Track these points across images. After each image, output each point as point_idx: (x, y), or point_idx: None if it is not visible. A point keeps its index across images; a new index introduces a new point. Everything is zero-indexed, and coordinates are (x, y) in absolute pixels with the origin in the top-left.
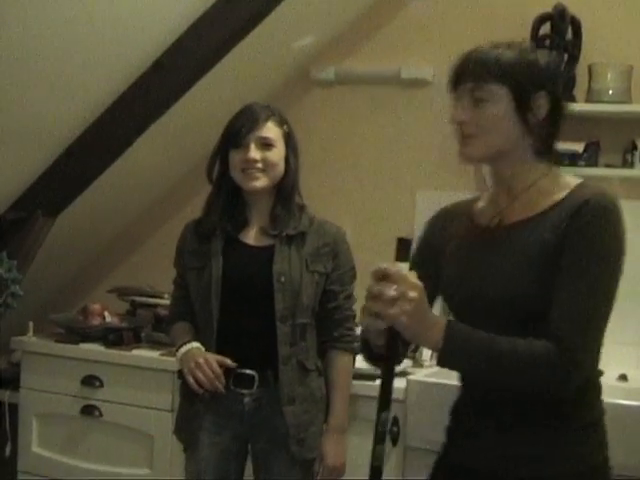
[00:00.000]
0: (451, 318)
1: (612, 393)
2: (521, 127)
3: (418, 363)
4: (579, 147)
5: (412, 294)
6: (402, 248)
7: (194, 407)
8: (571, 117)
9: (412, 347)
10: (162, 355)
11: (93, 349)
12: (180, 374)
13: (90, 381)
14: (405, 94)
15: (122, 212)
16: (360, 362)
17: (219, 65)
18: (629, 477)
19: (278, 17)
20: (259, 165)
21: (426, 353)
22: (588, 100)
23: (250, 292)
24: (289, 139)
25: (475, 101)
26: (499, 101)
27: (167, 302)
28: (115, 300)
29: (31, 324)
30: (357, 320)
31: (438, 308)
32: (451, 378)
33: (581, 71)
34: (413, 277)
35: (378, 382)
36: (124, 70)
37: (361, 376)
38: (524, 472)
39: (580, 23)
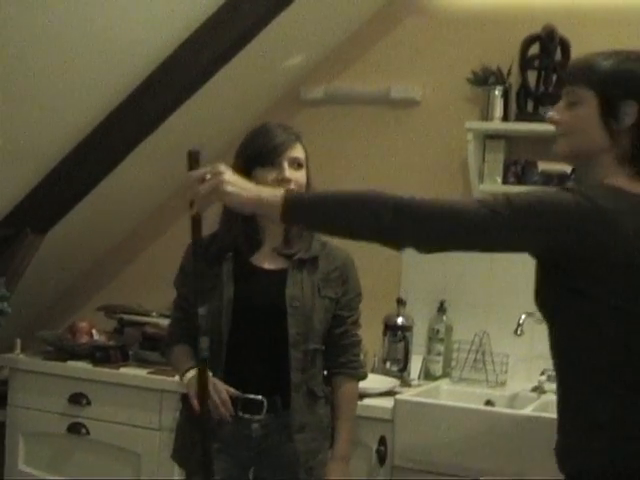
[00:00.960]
0: None
1: None
2: (605, 132)
3: (406, 383)
4: (567, 168)
5: (219, 169)
6: (192, 160)
7: (194, 431)
8: None
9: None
10: (150, 373)
11: (80, 367)
12: (184, 398)
13: (77, 399)
14: (394, 114)
15: (111, 230)
16: None
17: (209, 84)
18: None
19: (268, 37)
20: (292, 186)
21: (414, 372)
22: None
23: (262, 316)
24: (307, 161)
25: (568, 104)
26: (587, 105)
27: (155, 320)
28: (103, 318)
29: (19, 341)
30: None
31: None
32: (439, 398)
33: None
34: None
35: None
36: (113, 89)
37: None
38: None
39: (569, 44)
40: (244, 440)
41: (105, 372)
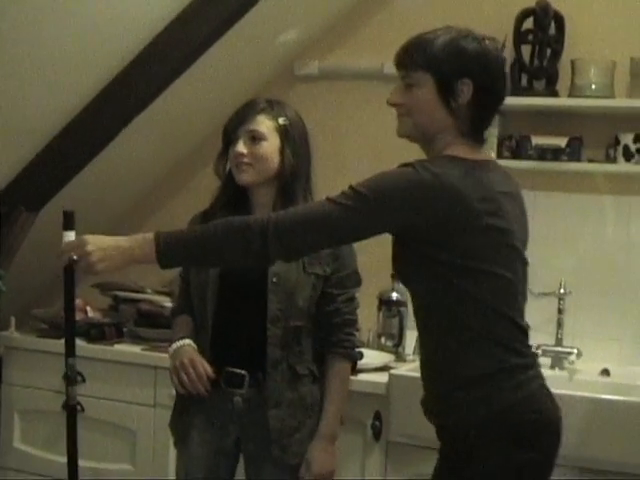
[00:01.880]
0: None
1: (594, 388)
2: (445, 110)
3: (401, 358)
4: (562, 142)
5: (84, 249)
6: (67, 219)
7: (185, 402)
8: (554, 112)
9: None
10: (144, 350)
11: (75, 344)
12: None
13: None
14: (388, 89)
15: (105, 207)
16: None
17: (202, 59)
18: (609, 471)
19: (262, 11)
20: (246, 159)
21: (409, 347)
22: (571, 95)
23: (245, 291)
24: (286, 132)
25: (406, 86)
26: (424, 86)
27: (150, 297)
28: (98, 295)
29: (13, 319)
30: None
31: None
32: None
33: (564, 66)
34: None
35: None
36: (107, 63)
37: None
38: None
39: (563, 18)
40: (227, 412)
41: (100, 349)
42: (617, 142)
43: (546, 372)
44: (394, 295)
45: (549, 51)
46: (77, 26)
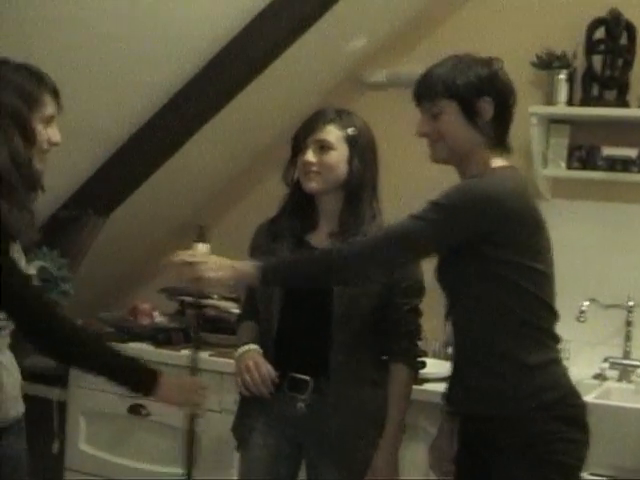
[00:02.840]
0: None
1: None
2: (473, 129)
3: None
4: (632, 153)
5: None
6: (200, 233)
7: (248, 407)
8: (624, 122)
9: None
10: (211, 356)
11: (142, 348)
12: None
13: None
14: None
15: (173, 212)
16: None
17: (272, 67)
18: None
19: (331, 19)
20: (314, 168)
21: None
22: None
23: (310, 297)
24: (354, 142)
25: (433, 116)
26: (450, 112)
27: (216, 303)
28: (164, 300)
29: (80, 322)
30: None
31: None
32: None
33: (635, 76)
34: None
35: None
36: (177, 70)
37: None
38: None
39: (635, 28)
40: (290, 418)
41: (166, 354)
42: None
43: (613, 385)
44: None
45: (620, 61)
46: (150, 33)
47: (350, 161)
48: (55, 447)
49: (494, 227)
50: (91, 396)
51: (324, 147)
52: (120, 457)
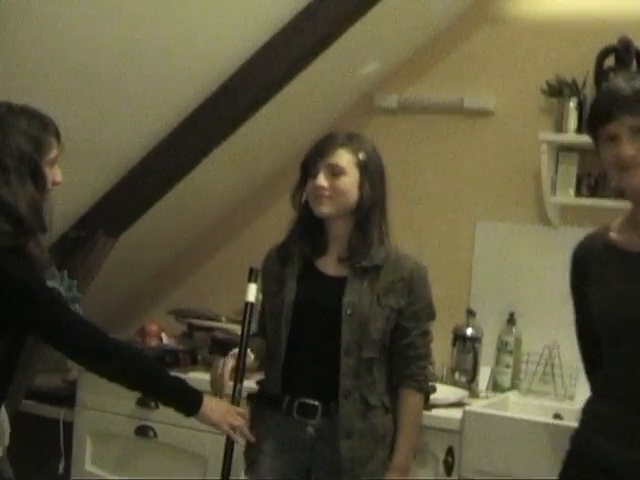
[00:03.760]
0: None
1: None
2: None
3: (474, 394)
4: None
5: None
6: (252, 274)
7: (258, 430)
8: None
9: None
10: None
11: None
12: (249, 397)
13: (145, 402)
14: (467, 124)
15: (183, 234)
16: None
17: (284, 90)
18: None
19: (343, 44)
20: (326, 193)
21: (482, 383)
22: None
23: (319, 322)
24: (365, 167)
25: (635, 133)
26: None
27: (224, 326)
28: (172, 322)
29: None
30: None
31: None
32: (507, 410)
33: None
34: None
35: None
36: (190, 93)
37: None
38: None
39: None
40: (300, 442)
41: None
42: None
43: None
44: (469, 331)
45: None
46: (164, 54)
47: (361, 186)
48: (61, 467)
49: None
50: (98, 417)
51: (335, 172)
52: (126, 478)
